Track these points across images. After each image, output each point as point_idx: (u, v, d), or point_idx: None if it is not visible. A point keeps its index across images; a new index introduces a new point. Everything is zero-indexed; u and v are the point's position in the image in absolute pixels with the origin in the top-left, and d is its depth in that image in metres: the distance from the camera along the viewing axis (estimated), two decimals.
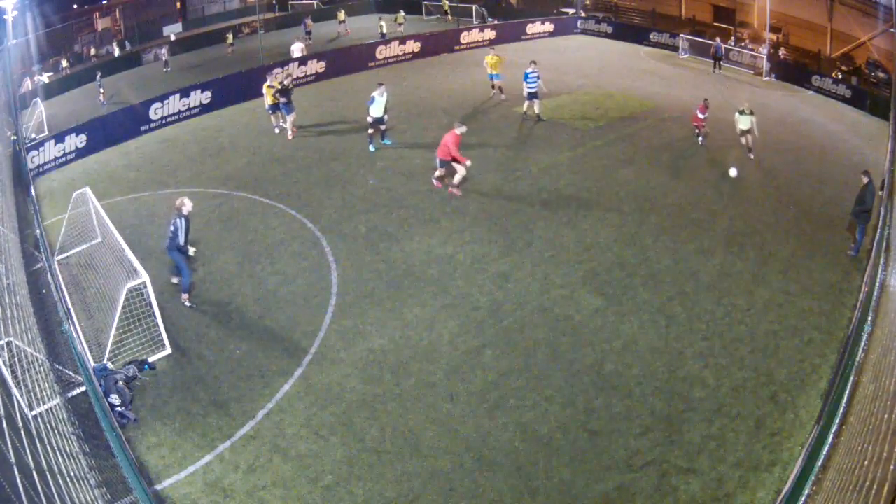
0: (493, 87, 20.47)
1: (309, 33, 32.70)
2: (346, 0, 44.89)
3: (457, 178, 12.95)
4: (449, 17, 39.54)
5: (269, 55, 27.81)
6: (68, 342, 7.52)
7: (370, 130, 15.80)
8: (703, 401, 7.60)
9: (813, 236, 11.62)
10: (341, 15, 36.64)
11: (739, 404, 7.52)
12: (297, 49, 26.10)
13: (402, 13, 35.82)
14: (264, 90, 17.79)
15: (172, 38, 38.22)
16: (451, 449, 7.04)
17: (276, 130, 18.12)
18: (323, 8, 43.95)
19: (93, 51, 38.39)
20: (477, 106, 19.86)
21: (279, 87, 16.74)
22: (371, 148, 15.92)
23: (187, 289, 9.88)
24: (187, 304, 9.86)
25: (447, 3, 40.10)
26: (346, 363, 8.49)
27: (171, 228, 9.44)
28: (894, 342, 5.78)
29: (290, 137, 17.18)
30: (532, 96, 17.60)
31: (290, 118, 17.22)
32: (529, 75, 17.36)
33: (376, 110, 15.21)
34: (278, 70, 22.18)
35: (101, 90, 25.24)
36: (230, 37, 34.28)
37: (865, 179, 10.77)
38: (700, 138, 16.55)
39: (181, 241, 9.44)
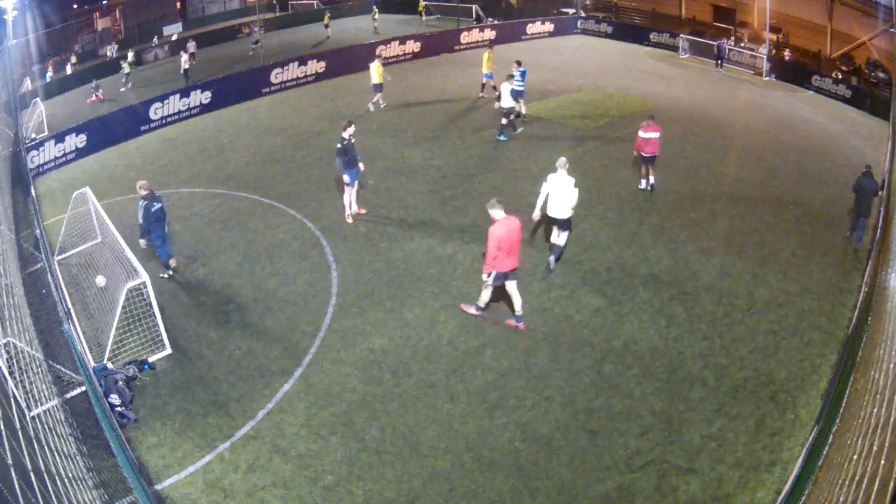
0: (483, 86, 20.47)
1: (256, 42, 32.97)
2: (346, 0, 44.94)
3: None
4: (424, 17, 39.67)
5: (267, 54, 27.86)
6: (68, 342, 7.51)
7: (503, 121, 16.27)
8: (703, 401, 7.60)
9: (813, 236, 11.62)
10: (326, 19, 36.59)
11: (739, 404, 7.52)
12: (183, 61, 26.39)
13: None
14: (373, 67, 19.26)
15: (175, 36, 38.30)
16: (451, 449, 7.04)
17: (371, 108, 19.65)
18: (323, 8, 43.96)
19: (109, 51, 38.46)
20: (476, 106, 19.86)
21: (340, 146, 11.51)
22: (501, 138, 16.41)
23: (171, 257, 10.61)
24: (167, 274, 10.60)
25: (423, 3, 40.30)
26: (346, 363, 8.48)
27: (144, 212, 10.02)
28: (885, 337, 5.78)
29: (348, 220, 12.35)
30: (519, 95, 17.72)
31: (351, 193, 12.20)
32: (524, 73, 17.49)
33: (504, 100, 15.87)
34: (382, 46, 24.73)
35: (95, 94, 25.45)
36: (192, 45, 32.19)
37: (864, 169, 11.22)
38: (645, 180, 13.15)
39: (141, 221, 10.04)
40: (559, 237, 10.20)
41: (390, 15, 40.92)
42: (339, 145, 11.47)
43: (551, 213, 9.88)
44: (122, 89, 26.53)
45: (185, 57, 27.06)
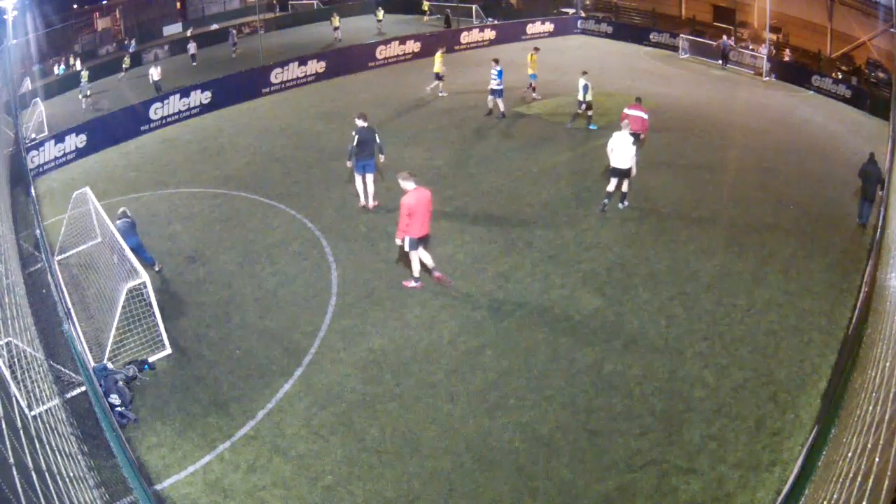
0: (533, 87, 20.38)
1: (235, 45, 32.88)
2: (346, 0, 44.93)
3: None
4: (426, 17, 39.71)
5: (268, 54, 27.84)
6: (68, 342, 7.52)
7: (589, 113, 17.39)
8: (703, 401, 7.60)
9: (813, 236, 11.62)
10: (336, 20, 34.93)
11: (739, 404, 7.52)
12: (155, 73, 25.93)
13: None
14: (436, 57, 20.90)
15: (189, 33, 38.31)
16: (451, 449, 7.04)
17: (428, 90, 21.28)
18: (323, 9, 43.94)
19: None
20: (476, 106, 19.85)
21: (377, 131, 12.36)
22: (568, 125, 17.54)
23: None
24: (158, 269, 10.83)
25: (426, 3, 40.34)
26: (346, 363, 8.48)
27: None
28: (882, 336, 5.78)
29: (370, 205, 12.84)
30: (497, 94, 17.99)
31: (369, 182, 12.67)
32: (500, 73, 17.75)
33: (581, 94, 17.03)
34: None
35: (85, 95, 25.45)
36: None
37: (868, 156, 11.82)
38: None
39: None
40: (623, 184, 12.25)
41: (392, 15, 40.92)
42: (375, 132, 12.23)
43: (615, 163, 11.92)
44: (80, 96, 25.92)
45: (155, 70, 25.91)
